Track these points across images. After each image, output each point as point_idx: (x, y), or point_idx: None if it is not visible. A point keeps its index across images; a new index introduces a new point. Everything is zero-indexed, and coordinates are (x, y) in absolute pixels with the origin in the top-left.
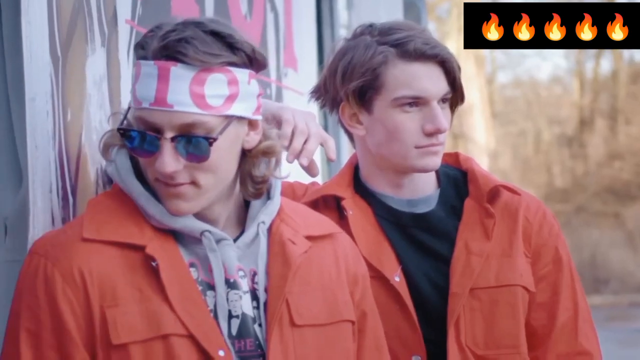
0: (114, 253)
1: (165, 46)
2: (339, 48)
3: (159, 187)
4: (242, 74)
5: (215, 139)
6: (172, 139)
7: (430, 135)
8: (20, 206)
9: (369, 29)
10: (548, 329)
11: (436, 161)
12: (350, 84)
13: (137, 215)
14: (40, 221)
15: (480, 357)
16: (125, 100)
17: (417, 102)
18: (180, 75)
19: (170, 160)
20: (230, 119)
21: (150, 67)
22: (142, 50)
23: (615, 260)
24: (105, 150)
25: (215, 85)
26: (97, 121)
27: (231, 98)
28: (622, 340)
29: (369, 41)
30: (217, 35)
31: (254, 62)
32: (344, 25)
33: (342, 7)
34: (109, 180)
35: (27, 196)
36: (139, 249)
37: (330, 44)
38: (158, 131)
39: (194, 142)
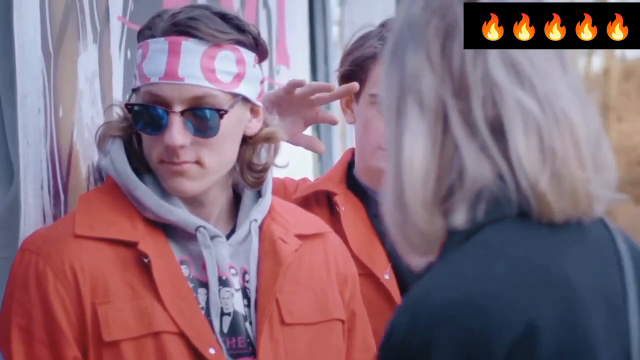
0: (106, 249)
1: (176, 23)
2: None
3: (162, 169)
4: (249, 56)
5: (225, 112)
6: (182, 113)
7: None
8: (12, 203)
9: (390, 21)
10: None
11: None
12: (342, 68)
13: (130, 211)
14: (31, 218)
15: None
16: (117, 96)
17: None
18: (191, 50)
19: (178, 134)
20: (237, 97)
21: (160, 44)
22: (149, 30)
23: None
24: (102, 142)
25: (225, 62)
26: (88, 118)
27: (239, 77)
28: None
29: (380, 33)
30: (224, 16)
31: (259, 47)
32: (337, 22)
33: (335, 4)
34: (100, 177)
35: (19, 193)
36: (131, 245)
37: (323, 40)
38: (167, 105)
39: (204, 115)
